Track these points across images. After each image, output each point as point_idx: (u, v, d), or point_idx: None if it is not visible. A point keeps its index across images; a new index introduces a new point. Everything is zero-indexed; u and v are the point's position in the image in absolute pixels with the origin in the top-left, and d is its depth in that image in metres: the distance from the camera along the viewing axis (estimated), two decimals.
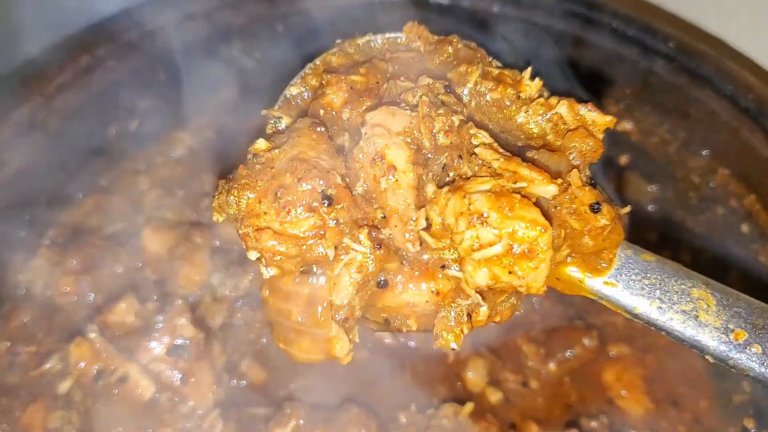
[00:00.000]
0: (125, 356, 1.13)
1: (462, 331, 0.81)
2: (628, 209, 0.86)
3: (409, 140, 0.77)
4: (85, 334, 1.14)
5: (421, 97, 0.80)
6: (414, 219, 0.76)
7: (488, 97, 0.86)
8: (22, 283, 1.26)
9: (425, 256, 0.80)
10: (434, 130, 0.78)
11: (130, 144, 1.46)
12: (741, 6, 1.48)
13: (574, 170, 0.81)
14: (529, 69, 0.87)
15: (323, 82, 0.87)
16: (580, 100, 0.85)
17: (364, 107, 0.83)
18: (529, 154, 0.80)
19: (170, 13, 1.41)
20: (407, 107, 0.80)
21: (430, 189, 0.77)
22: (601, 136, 0.84)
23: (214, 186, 1.43)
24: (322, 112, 0.84)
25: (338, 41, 0.94)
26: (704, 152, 1.41)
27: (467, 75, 0.86)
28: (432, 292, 0.80)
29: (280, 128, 0.88)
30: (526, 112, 0.85)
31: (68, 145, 1.34)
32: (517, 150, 0.83)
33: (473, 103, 0.87)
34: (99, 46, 1.36)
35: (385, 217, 0.78)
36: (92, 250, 1.31)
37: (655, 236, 1.44)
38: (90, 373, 1.11)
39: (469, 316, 0.81)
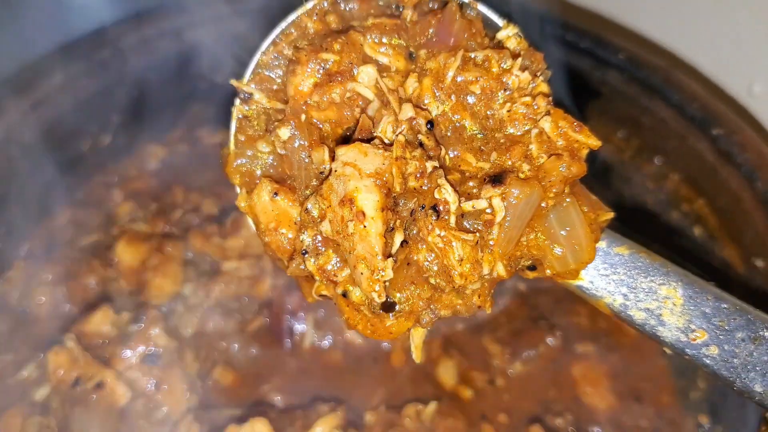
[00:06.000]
0: (102, 364, 1.16)
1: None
2: (610, 215, 0.85)
3: (380, 182, 0.74)
4: (63, 342, 1.17)
5: (398, 135, 0.77)
6: (381, 269, 0.74)
7: (469, 94, 0.82)
8: None
9: None
10: (406, 173, 0.76)
11: (104, 158, 1.49)
12: (689, 19, 1.55)
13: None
14: (520, 60, 0.82)
15: (293, 57, 0.83)
16: (567, 111, 0.81)
17: (334, 92, 0.80)
18: (498, 189, 0.77)
19: (142, 31, 1.45)
20: (381, 145, 0.76)
21: (398, 239, 0.75)
22: (584, 153, 0.81)
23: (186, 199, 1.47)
24: (303, 117, 0.81)
25: None
26: (656, 159, 1.47)
27: (446, 68, 0.81)
28: None
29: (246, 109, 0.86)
30: (509, 111, 0.81)
31: (43, 160, 1.36)
32: (488, 176, 0.80)
33: (453, 98, 0.82)
34: (72, 63, 1.39)
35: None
36: (67, 262, 1.33)
37: None
38: (68, 380, 1.14)
39: None
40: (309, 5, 0.87)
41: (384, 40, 0.83)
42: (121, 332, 1.21)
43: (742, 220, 1.29)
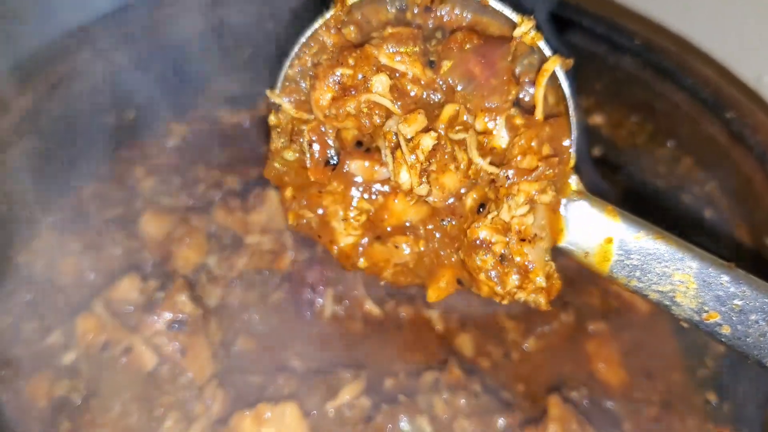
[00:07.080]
0: (129, 330, 1.18)
1: None
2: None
3: None
4: (91, 308, 1.19)
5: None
6: None
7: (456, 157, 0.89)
8: (24, 263, 1.30)
9: None
10: None
11: (128, 134, 1.51)
12: (700, 6, 1.58)
13: None
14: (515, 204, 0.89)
15: (312, 73, 0.89)
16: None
17: (348, 107, 0.85)
18: None
19: (168, 7, 1.48)
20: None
21: None
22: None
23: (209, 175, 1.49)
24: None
25: None
26: (669, 143, 1.50)
27: (458, 120, 0.87)
28: None
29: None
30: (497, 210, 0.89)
31: (69, 134, 1.38)
32: None
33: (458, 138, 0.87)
34: (100, 39, 1.41)
35: None
36: (92, 233, 1.35)
37: None
38: (96, 344, 1.16)
39: None
40: (327, 15, 0.90)
41: (402, 49, 0.86)
42: (148, 299, 1.23)
43: (753, 201, 1.33)
